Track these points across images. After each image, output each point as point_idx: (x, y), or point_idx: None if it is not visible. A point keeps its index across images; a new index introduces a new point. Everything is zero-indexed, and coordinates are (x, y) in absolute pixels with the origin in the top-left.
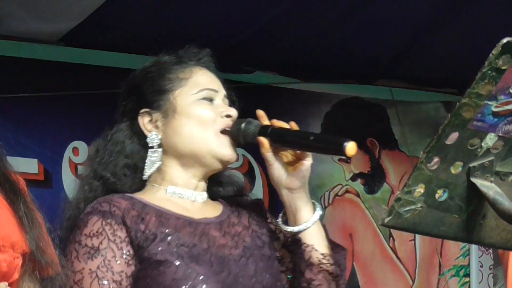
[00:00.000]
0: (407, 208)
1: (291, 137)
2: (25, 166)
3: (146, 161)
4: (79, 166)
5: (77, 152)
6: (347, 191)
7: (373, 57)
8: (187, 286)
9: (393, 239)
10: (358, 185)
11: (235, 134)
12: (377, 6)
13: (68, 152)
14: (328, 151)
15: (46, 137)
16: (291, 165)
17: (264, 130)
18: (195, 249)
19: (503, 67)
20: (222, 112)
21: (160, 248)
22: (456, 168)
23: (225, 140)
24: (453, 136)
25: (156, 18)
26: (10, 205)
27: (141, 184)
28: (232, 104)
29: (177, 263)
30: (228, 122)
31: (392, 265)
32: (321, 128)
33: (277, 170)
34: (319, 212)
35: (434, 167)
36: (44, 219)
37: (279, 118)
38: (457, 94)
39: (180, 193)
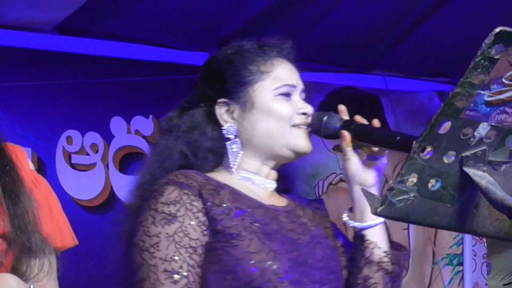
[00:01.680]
0: (400, 198)
1: (376, 134)
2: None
3: (228, 153)
4: (72, 155)
5: (71, 141)
6: (341, 180)
7: (367, 46)
8: (259, 260)
9: (388, 228)
10: None
11: (316, 126)
12: None
13: (61, 141)
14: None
15: (40, 126)
16: (367, 162)
17: (347, 125)
18: (268, 228)
19: (496, 57)
20: (300, 109)
21: (234, 223)
22: (449, 158)
23: (301, 133)
24: (446, 126)
25: (150, 7)
26: None
27: (213, 168)
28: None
29: (251, 237)
30: (303, 119)
31: None
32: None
33: (354, 165)
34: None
35: (427, 157)
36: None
37: None
38: (450, 84)
39: (252, 178)
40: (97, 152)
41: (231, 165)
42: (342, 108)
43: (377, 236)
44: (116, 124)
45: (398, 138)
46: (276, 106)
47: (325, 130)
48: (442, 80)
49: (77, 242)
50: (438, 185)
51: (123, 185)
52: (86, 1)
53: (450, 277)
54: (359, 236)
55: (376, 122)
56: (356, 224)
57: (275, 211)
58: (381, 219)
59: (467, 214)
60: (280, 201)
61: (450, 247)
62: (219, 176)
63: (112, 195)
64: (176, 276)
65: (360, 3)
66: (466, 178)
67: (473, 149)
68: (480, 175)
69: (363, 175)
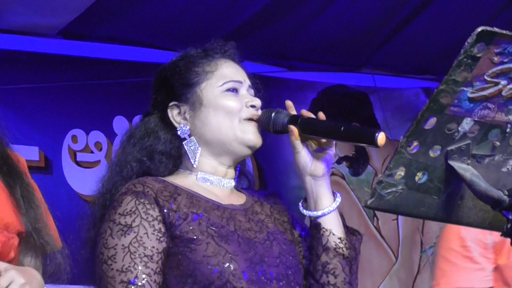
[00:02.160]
0: (389, 190)
1: (321, 126)
2: (27, 153)
3: (186, 152)
4: (78, 153)
5: (76, 140)
6: (332, 174)
7: (356, 46)
8: (216, 263)
9: (377, 219)
10: (343, 168)
11: (265, 123)
12: None
13: (67, 140)
14: (359, 141)
15: (47, 126)
16: (316, 154)
17: (294, 119)
18: (224, 230)
19: (478, 55)
20: (247, 102)
21: (191, 227)
22: (435, 152)
23: (250, 127)
24: (432, 121)
25: (149, 11)
26: (7, 188)
27: (171, 171)
28: (257, 92)
29: (208, 241)
30: (252, 112)
31: (376, 243)
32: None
33: (303, 157)
34: (338, 199)
35: (414, 151)
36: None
37: (268, 106)
38: (435, 81)
39: (209, 179)
40: (101, 150)
41: (192, 163)
42: (289, 103)
43: (331, 223)
44: (119, 123)
45: (342, 128)
46: (224, 100)
47: (274, 126)
48: (427, 78)
49: (59, 243)
50: (424, 178)
51: None
52: (88, 7)
53: None
54: (315, 224)
55: (321, 115)
56: (311, 213)
57: (232, 211)
58: (334, 207)
59: (452, 205)
60: (238, 199)
61: (438, 236)
62: (178, 179)
63: None
64: (132, 287)
65: (347, 6)
66: (451, 171)
67: (458, 143)
68: (464, 168)
69: (313, 166)
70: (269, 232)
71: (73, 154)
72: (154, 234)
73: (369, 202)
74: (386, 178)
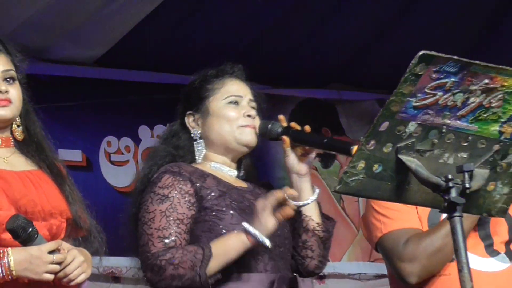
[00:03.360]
0: (352, 179)
1: (308, 138)
2: (72, 156)
3: (195, 151)
4: (111, 155)
5: (110, 144)
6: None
7: (325, 67)
8: (239, 228)
9: (343, 201)
10: (316, 162)
11: (263, 132)
12: (328, 29)
13: (103, 145)
14: (338, 151)
15: (87, 134)
16: (300, 157)
17: (286, 131)
18: (242, 205)
19: (420, 73)
20: (245, 112)
21: (218, 201)
22: (388, 148)
23: (247, 130)
24: (385, 125)
25: (168, 43)
26: (57, 186)
27: (191, 161)
28: (258, 105)
29: (232, 212)
30: (248, 120)
31: (343, 219)
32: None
33: (291, 160)
34: (317, 193)
35: (372, 148)
36: (81, 196)
37: (258, 113)
38: (387, 94)
39: (220, 168)
40: (129, 152)
41: (197, 160)
42: (281, 117)
43: (310, 211)
44: (143, 131)
45: (325, 141)
46: (225, 110)
47: (270, 135)
48: (381, 91)
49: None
50: (380, 169)
51: None
52: (116, 43)
53: None
54: (298, 211)
55: (307, 128)
56: (295, 203)
57: (243, 191)
58: (313, 198)
59: (402, 189)
60: (243, 184)
61: None
62: (200, 167)
63: None
64: (166, 240)
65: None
66: (400, 163)
67: (405, 141)
68: (410, 160)
69: (298, 167)
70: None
71: (108, 155)
72: (185, 203)
73: (337, 188)
74: (350, 169)
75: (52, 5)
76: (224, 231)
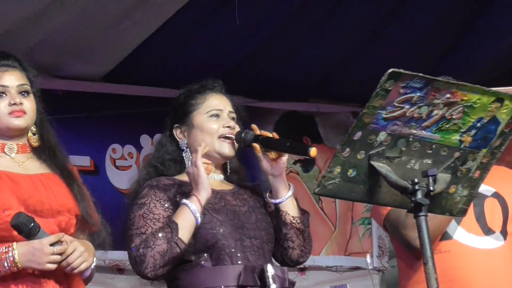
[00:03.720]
0: (330, 182)
1: (274, 143)
2: (82, 161)
3: (184, 159)
4: (116, 160)
5: (115, 151)
6: (290, 171)
7: (305, 83)
8: (210, 227)
9: (321, 201)
10: (297, 167)
11: (238, 140)
12: (307, 50)
13: (109, 151)
14: (298, 153)
15: (95, 142)
16: (274, 161)
17: (257, 138)
18: (216, 206)
19: (389, 88)
20: (224, 123)
21: None
22: (361, 155)
23: (225, 143)
24: (358, 134)
25: (165, 61)
26: (67, 186)
27: (180, 171)
28: (239, 116)
29: (205, 213)
30: (228, 130)
31: (321, 218)
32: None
33: (265, 164)
34: (291, 191)
35: (347, 155)
36: (91, 196)
37: (247, 125)
38: (360, 107)
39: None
40: (132, 158)
41: (187, 166)
42: (254, 126)
43: (287, 207)
44: (144, 139)
45: (288, 144)
46: (207, 123)
47: (244, 143)
48: (355, 105)
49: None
50: (354, 173)
51: None
52: (121, 61)
53: (362, 232)
54: (276, 208)
55: (275, 134)
56: (273, 201)
57: (223, 193)
58: (288, 196)
59: (374, 191)
60: (227, 186)
61: (363, 212)
62: (184, 176)
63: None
64: (143, 236)
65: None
66: (372, 168)
67: (376, 149)
68: (381, 166)
69: (272, 169)
70: (250, 206)
71: (113, 161)
72: (161, 206)
73: (316, 190)
74: (327, 174)
75: (64, 27)
76: (197, 231)
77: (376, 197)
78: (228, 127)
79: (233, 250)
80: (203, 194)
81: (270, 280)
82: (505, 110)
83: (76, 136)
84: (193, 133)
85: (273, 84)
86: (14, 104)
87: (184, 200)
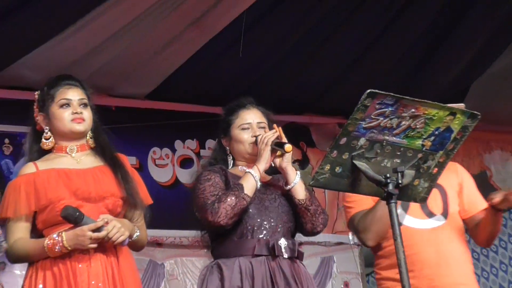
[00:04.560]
0: (321, 177)
1: (275, 144)
2: (130, 161)
3: (228, 160)
4: (156, 160)
5: (155, 153)
6: None
7: (301, 100)
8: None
9: (314, 191)
10: (296, 165)
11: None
12: (304, 75)
13: (151, 153)
14: (281, 148)
15: (139, 145)
16: (280, 157)
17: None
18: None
19: (368, 104)
20: (252, 134)
21: (234, 183)
22: (345, 156)
23: (254, 147)
24: (343, 140)
25: (196, 83)
26: (114, 174)
27: (227, 167)
28: (268, 121)
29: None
30: (254, 140)
31: None
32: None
33: (275, 160)
34: (298, 177)
35: (334, 156)
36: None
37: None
38: (345, 118)
39: (243, 168)
40: (168, 158)
41: (229, 166)
42: (275, 125)
43: (295, 191)
44: (177, 144)
45: (276, 143)
46: (239, 135)
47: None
48: (340, 117)
49: (151, 201)
50: (340, 170)
51: (182, 175)
52: (159, 84)
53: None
54: (289, 194)
55: (278, 129)
56: (285, 187)
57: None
58: (296, 182)
59: (355, 184)
60: (265, 178)
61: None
62: (231, 170)
63: (177, 179)
64: (216, 196)
65: (296, 82)
66: (354, 166)
67: (357, 151)
68: (361, 164)
69: (280, 162)
70: (276, 194)
71: (154, 160)
72: (220, 180)
73: (311, 183)
74: (319, 170)
75: (115, 58)
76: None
77: (357, 188)
78: (255, 136)
79: (255, 228)
80: (262, 166)
81: (283, 250)
82: (457, 121)
83: (125, 141)
84: (232, 143)
85: (277, 100)
86: (76, 113)
87: (247, 170)
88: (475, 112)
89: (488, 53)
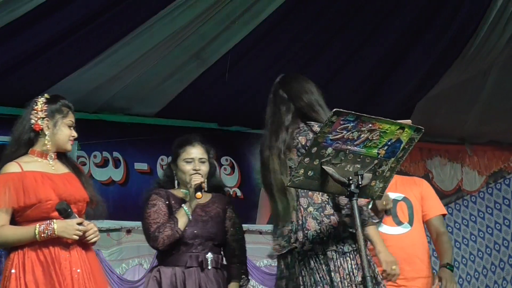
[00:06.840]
0: (296, 179)
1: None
2: (142, 166)
3: (175, 181)
4: (163, 166)
5: (163, 160)
6: None
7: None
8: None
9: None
10: None
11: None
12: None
13: (159, 160)
14: (195, 192)
15: (150, 154)
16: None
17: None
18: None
19: (334, 120)
20: (193, 167)
21: (175, 210)
22: (316, 162)
23: (194, 177)
24: (314, 149)
25: (197, 104)
26: (78, 179)
27: (171, 187)
28: (208, 156)
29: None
30: (195, 172)
31: None
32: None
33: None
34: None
35: (307, 162)
36: (93, 183)
37: (244, 148)
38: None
39: (184, 191)
40: None
41: (175, 186)
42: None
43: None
44: None
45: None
46: (183, 166)
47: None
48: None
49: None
50: (312, 173)
51: None
52: (168, 102)
53: None
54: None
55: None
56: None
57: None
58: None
59: (324, 184)
60: (205, 199)
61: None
62: (174, 191)
63: None
64: (157, 224)
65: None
66: (323, 170)
67: (326, 158)
68: (329, 169)
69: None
70: (209, 215)
71: (162, 166)
72: (163, 205)
73: (288, 184)
74: (295, 173)
75: (131, 83)
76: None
77: (326, 188)
78: (195, 170)
79: (190, 244)
80: (193, 204)
81: (209, 262)
82: (405, 134)
83: (138, 151)
84: (178, 170)
85: (262, 118)
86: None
87: (183, 205)
88: (420, 126)
89: (429, 79)
